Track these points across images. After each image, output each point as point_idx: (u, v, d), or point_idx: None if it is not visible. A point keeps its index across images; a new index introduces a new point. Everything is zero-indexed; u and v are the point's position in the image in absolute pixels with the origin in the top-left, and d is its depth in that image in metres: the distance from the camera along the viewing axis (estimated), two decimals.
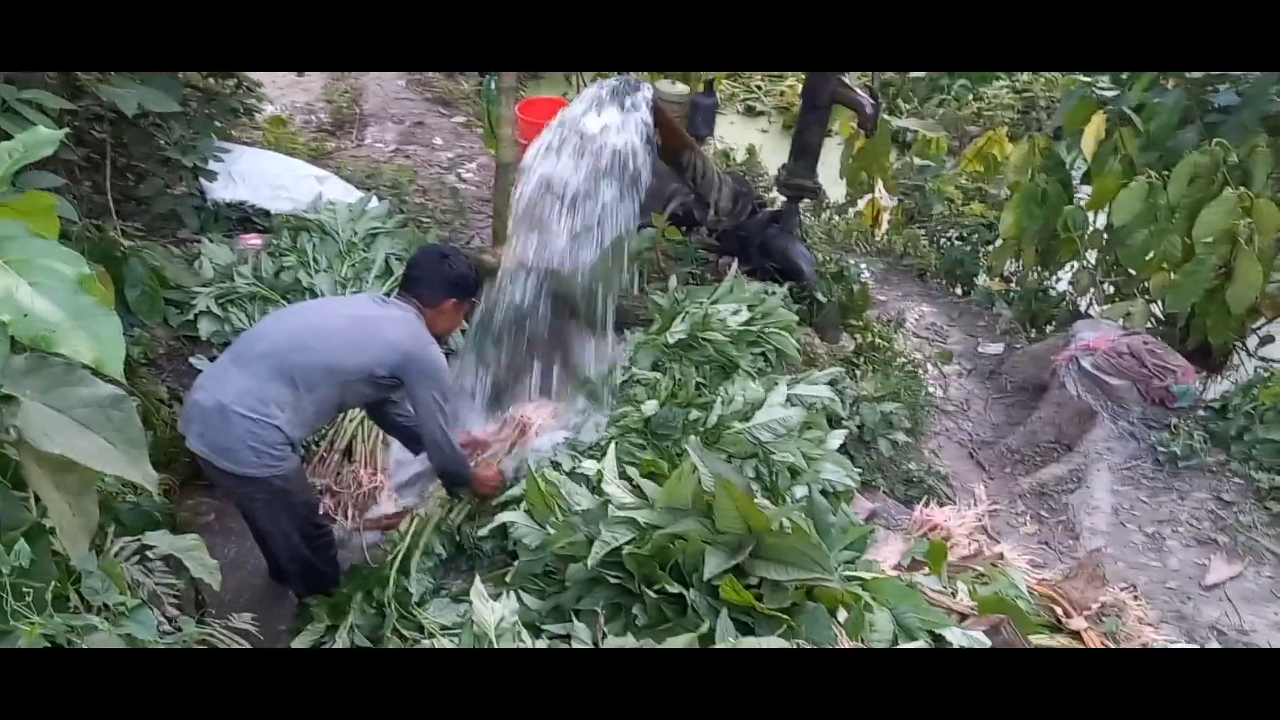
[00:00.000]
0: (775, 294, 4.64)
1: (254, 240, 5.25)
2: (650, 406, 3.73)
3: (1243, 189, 5.00)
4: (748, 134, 9.73)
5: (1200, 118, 5.67)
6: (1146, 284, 5.83)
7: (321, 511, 3.75)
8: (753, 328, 4.31)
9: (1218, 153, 5.16)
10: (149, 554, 2.56)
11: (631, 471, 2.84)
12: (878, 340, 5.65)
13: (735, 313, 4.31)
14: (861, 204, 7.61)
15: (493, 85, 5.47)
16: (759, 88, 10.90)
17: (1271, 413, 4.94)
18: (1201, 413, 5.28)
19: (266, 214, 5.48)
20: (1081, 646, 3.10)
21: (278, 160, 5.93)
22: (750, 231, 5.41)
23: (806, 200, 5.70)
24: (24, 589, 1.72)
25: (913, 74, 10.77)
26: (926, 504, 4.03)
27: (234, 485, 3.16)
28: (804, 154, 5.27)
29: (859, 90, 4.94)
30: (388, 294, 3.66)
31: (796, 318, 4.61)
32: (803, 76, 5.74)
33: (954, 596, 2.93)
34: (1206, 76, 5.58)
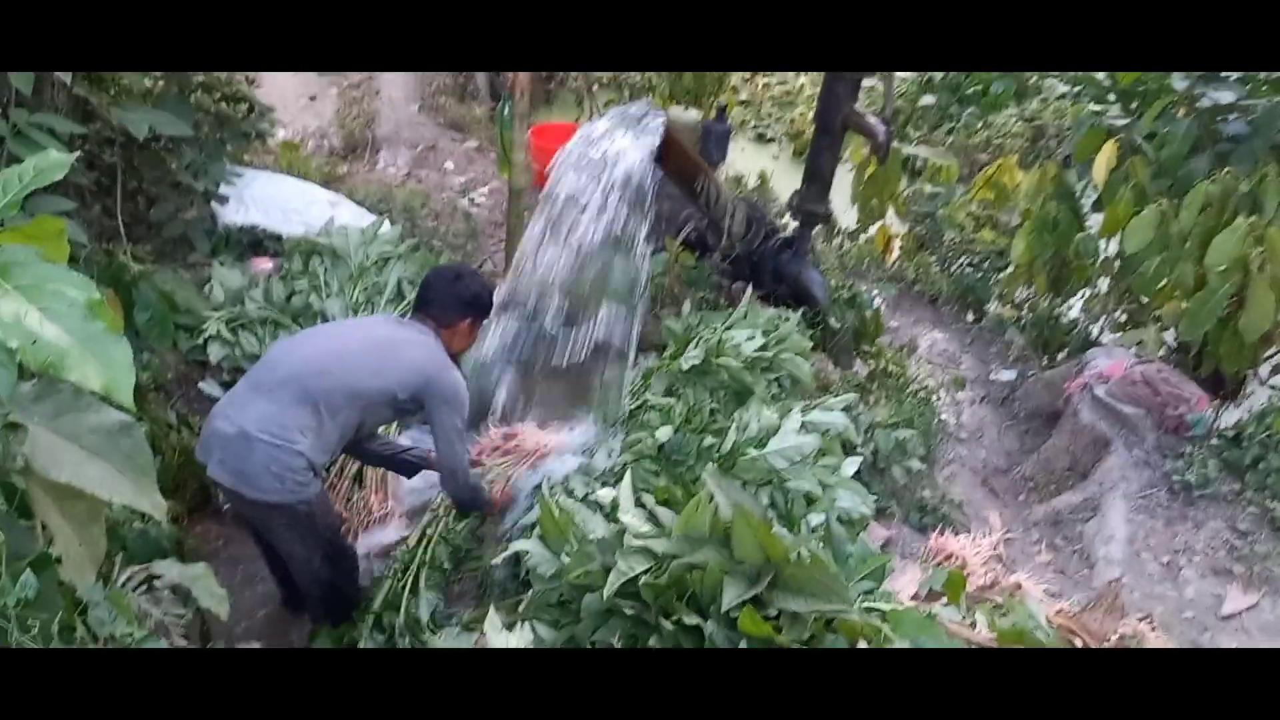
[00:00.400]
0: (789, 319, 4.61)
1: (265, 264, 5.24)
2: (664, 432, 3.69)
3: (1254, 217, 4.98)
4: (759, 161, 9.74)
5: (1211, 146, 5.65)
6: (1159, 312, 5.80)
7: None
8: (766, 353, 4.28)
9: (1229, 181, 5.15)
10: (156, 583, 2.53)
11: (646, 499, 2.80)
12: (891, 366, 5.62)
13: (749, 338, 4.28)
14: (873, 230, 7.59)
15: (506, 110, 5.47)
16: (770, 115, 10.92)
17: None
18: (1216, 441, 5.24)
19: (278, 238, 5.47)
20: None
21: (290, 184, 5.93)
22: (763, 257, 5.40)
23: (819, 226, 5.68)
24: (30, 620, 1.69)
25: (921, 102, 10.79)
26: (941, 532, 3.99)
27: (255, 512, 3.13)
28: (816, 179, 5.26)
29: (871, 117, 4.93)
30: (402, 315, 3.64)
31: (810, 343, 4.58)
32: (813, 103, 5.74)
33: (973, 628, 2.88)
34: (1216, 106, 5.57)
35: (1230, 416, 5.64)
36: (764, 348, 4.28)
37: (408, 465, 3.78)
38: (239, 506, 3.19)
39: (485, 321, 3.55)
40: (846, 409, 4.15)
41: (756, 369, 4.19)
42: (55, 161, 1.64)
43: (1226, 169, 5.24)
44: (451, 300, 3.34)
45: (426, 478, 3.89)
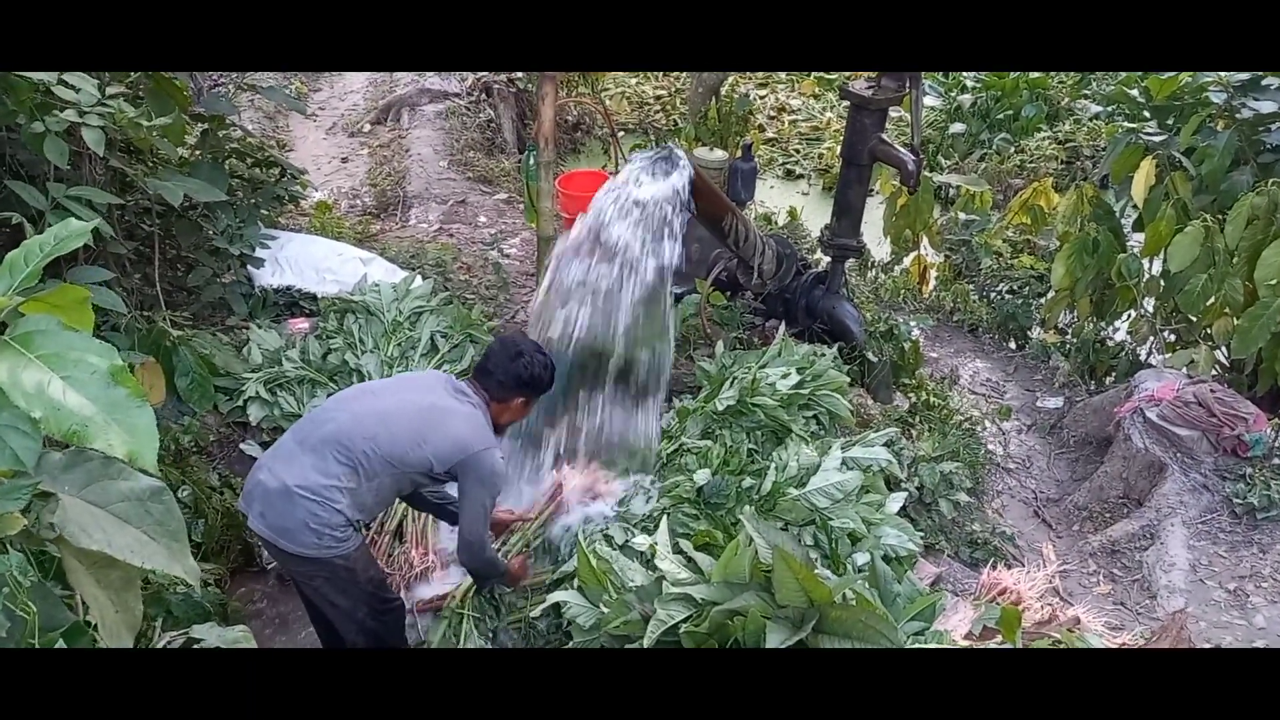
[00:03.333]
0: (825, 355, 4.55)
1: (301, 324, 5.29)
2: (702, 475, 3.65)
3: None
4: (788, 197, 9.72)
5: (1254, 158, 5.55)
6: (1208, 330, 5.67)
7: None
8: (803, 391, 4.22)
9: (1275, 193, 5.04)
10: (195, 647, 2.51)
11: (685, 544, 2.75)
12: (932, 399, 5.53)
13: (784, 376, 4.23)
14: (907, 261, 7.53)
15: (531, 160, 5.51)
16: (797, 151, 10.91)
17: None
18: (1277, 461, 5.08)
19: (313, 298, 5.53)
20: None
21: (323, 244, 6.00)
22: (795, 294, 5.35)
23: (851, 260, 5.64)
24: None
25: (951, 130, 10.74)
26: (994, 566, 3.88)
27: (294, 565, 3.14)
28: (847, 213, 5.22)
29: (900, 147, 4.89)
30: (458, 376, 3.59)
31: (848, 379, 4.52)
32: (840, 137, 5.71)
33: None
34: (1257, 116, 5.48)
35: None
36: (800, 385, 4.23)
37: (452, 515, 3.75)
38: (278, 559, 3.22)
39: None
40: (888, 444, 4.09)
41: (793, 407, 4.13)
42: (75, 230, 1.64)
43: (1272, 180, 5.13)
44: (509, 377, 3.28)
45: None
